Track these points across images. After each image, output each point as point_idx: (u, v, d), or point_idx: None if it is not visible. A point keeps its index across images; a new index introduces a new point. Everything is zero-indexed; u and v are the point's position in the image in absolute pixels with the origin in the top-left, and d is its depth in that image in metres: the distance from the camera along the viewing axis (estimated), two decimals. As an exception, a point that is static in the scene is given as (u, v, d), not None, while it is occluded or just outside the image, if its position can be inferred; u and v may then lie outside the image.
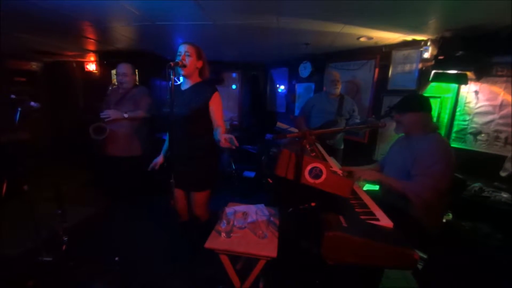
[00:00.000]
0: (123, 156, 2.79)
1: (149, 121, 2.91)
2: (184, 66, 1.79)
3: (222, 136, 1.59)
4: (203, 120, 1.91)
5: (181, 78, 1.98)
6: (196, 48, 1.86)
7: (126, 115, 2.66)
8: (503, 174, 2.23)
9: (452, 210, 2.20)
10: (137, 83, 2.97)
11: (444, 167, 1.58)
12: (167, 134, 2.12)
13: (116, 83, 2.81)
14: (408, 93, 1.88)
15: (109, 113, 2.58)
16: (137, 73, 4.48)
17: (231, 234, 1.63)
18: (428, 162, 1.60)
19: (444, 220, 2.00)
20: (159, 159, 2.13)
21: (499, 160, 2.28)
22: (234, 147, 1.55)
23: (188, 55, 1.81)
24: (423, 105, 1.74)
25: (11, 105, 2.05)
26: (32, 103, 2.13)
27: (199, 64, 1.90)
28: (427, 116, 1.74)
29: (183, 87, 1.95)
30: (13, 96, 2.11)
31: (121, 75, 2.74)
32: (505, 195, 2.10)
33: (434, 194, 1.58)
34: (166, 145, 2.18)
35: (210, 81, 2.03)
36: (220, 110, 1.94)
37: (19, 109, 2.04)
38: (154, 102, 2.88)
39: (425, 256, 1.93)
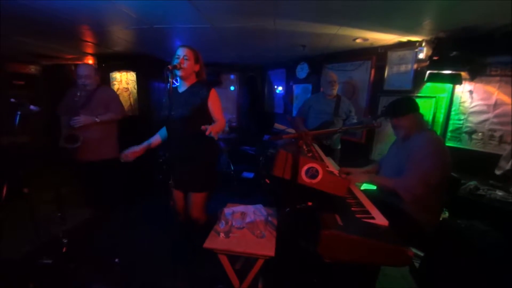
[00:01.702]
0: (99, 160, 2.69)
1: (145, 121, 2.89)
2: (182, 69, 1.82)
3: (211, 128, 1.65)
4: (201, 120, 1.92)
5: (178, 80, 2.00)
6: (194, 51, 1.89)
7: (97, 119, 2.56)
8: (498, 172, 2.26)
9: (448, 208, 2.23)
10: (100, 83, 2.81)
11: (434, 162, 1.62)
12: (159, 134, 2.14)
13: (77, 86, 2.63)
14: (396, 99, 1.92)
15: (80, 120, 2.47)
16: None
17: (230, 234, 1.65)
18: (418, 158, 1.64)
19: (440, 218, 2.03)
20: (137, 148, 2.02)
21: (494, 159, 2.31)
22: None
23: (186, 59, 1.84)
24: (416, 105, 1.81)
25: (10, 108, 2.06)
26: (32, 107, 2.14)
27: (196, 68, 1.94)
28: (420, 115, 1.82)
29: (180, 89, 1.98)
30: (12, 100, 2.12)
31: (84, 77, 2.58)
32: (500, 193, 2.12)
33: (424, 189, 1.61)
34: (150, 140, 2.10)
35: (206, 81, 2.05)
36: (218, 105, 1.97)
37: (19, 112, 2.06)
38: (146, 102, 2.81)
39: (421, 254, 1.96)
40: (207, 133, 1.60)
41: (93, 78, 2.66)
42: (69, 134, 2.47)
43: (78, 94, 2.63)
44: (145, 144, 2.06)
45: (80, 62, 4.88)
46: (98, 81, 2.77)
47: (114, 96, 2.83)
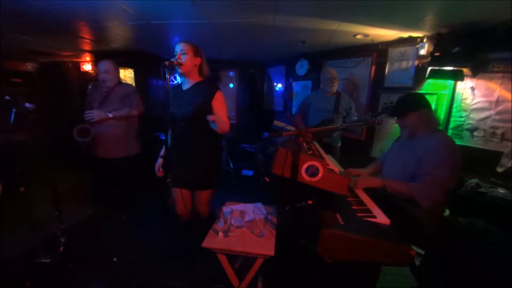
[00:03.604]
0: (114, 157, 2.67)
1: (144, 119, 2.86)
2: (180, 64, 1.76)
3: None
4: (205, 119, 1.89)
5: (180, 78, 1.95)
6: (192, 45, 1.83)
7: (110, 115, 2.53)
8: (499, 170, 2.24)
9: (449, 206, 2.21)
10: (121, 80, 2.81)
11: (452, 165, 1.56)
12: (166, 134, 2.11)
13: (99, 81, 2.63)
14: (401, 96, 1.85)
15: (93, 114, 2.44)
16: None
17: (229, 233, 1.63)
18: (436, 161, 1.57)
19: (441, 217, 2.01)
20: (159, 162, 2.06)
21: (495, 156, 2.29)
22: None
23: (184, 53, 1.78)
24: (420, 102, 1.72)
25: (5, 106, 2.03)
26: (27, 104, 2.11)
27: (197, 61, 1.87)
28: (427, 112, 1.71)
29: (184, 87, 1.93)
30: (7, 97, 2.09)
31: (104, 72, 2.57)
32: (501, 190, 2.10)
33: (443, 194, 1.57)
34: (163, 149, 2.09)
35: (211, 80, 2.01)
36: (223, 108, 1.92)
37: (14, 110, 2.03)
38: (144, 100, 2.79)
39: (422, 253, 1.94)
40: (210, 118, 1.67)
41: (113, 73, 2.63)
42: (81, 127, 2.43)
43: (90, 87, 2.65)
44: (162, 156, 2.06)
45: (76, 60, 4.86)
46: (119, 77, 2.74)
47: (132, 91, 2.75)
